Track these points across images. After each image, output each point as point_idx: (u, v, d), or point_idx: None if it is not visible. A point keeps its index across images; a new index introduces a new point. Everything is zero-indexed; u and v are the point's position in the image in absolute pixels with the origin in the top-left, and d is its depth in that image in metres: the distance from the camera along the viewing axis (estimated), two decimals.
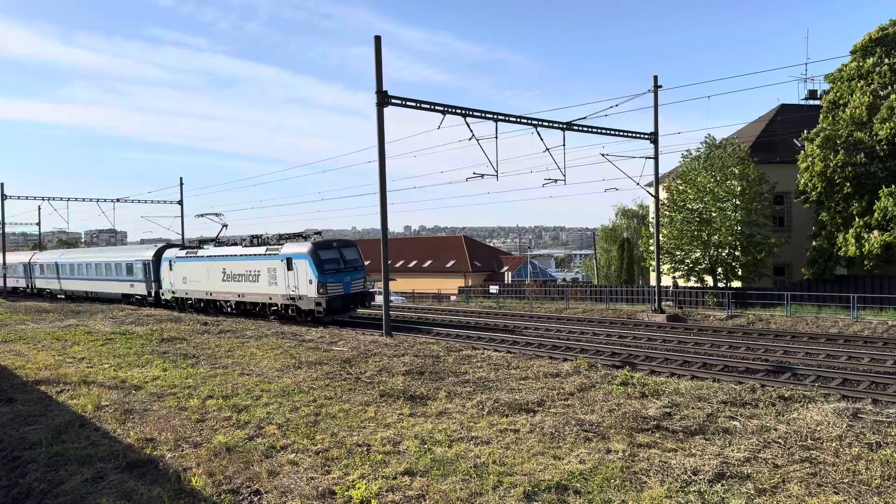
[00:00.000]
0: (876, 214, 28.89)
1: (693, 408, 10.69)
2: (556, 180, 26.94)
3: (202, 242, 35.95)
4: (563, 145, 26.38)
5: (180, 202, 54.83)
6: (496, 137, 23.87)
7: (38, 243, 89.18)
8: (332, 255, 27.57)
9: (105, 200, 53.00)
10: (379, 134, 21.46)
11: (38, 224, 73.82)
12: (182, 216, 54.78)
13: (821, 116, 32.69)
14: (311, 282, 26.86)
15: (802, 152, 33.01)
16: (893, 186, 28.56)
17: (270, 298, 29.26)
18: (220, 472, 8.43)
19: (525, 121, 25.18)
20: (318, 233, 30.21)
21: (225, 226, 36.25)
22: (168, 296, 36.60)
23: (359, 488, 7.67)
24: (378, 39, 21.26)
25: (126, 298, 40.73)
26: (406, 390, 12.39)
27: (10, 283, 55.70)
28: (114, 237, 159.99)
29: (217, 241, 35.21)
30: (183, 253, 35.57)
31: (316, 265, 26.67)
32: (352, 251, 28.74)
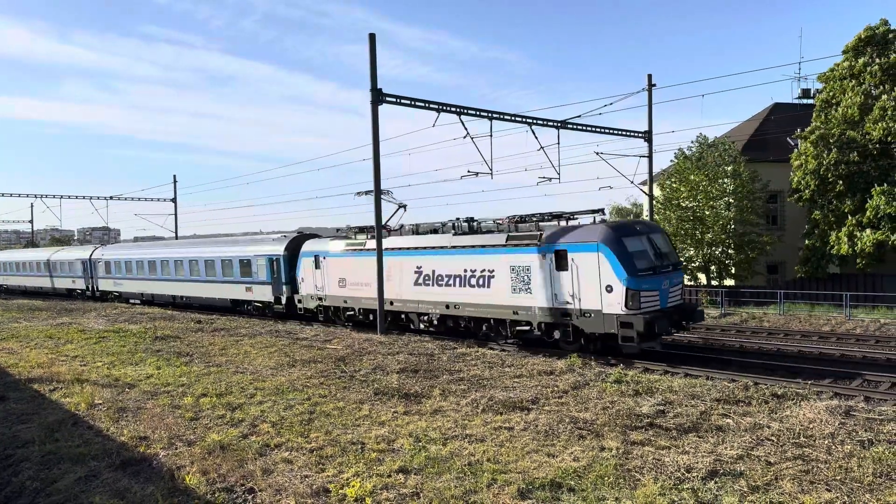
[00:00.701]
0: (868, 213, 29.03)
1: (686, 406, 10.73)
2: (550, 178, 26.97)
3: (363, 230, 25.56)
4: (558, 144, 26.41)
5: (174, 200, 54.69)
6: (491, 136, 23.88)
7: (31, 241, 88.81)
8: (640, 244, 17.63)
9: (98, 198, 52.88)
10: (373, 132, 21.44)
11: (31, 222, 73.68)
12: (175, 213, 54.67)
13: (814, 115, 32.83)
14: (609, 288, 16.89)
15: (796, 150, 33.15)
16: (886, 185, 28.71)
17: (516, 313, 19.15)
18: (213, 471, 8.43)
19: (520, 119, 25.18)
20: (600, 211, 19.56)
21: (402, 207, 25.23)
22: (311, 303, 26.70)
23: (353, 486, 7.68)
24: (372, 37, 21.21)
25: (238, 305, 31.18)
26: (400, 388, 12.40)
27: (66, 283, 46.87)
28: (107, 235, 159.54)
29: (385, 228, 24.18)
30: (340, 246, 25.36)
31: (621, 261, 16.77)
32: (662, 239, 18.89)
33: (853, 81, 31.06)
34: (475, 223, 21.72)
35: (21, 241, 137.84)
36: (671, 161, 38.06)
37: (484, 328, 20.53)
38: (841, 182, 30.90)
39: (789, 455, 8.28)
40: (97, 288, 43.50)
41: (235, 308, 31.39)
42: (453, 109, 22.93)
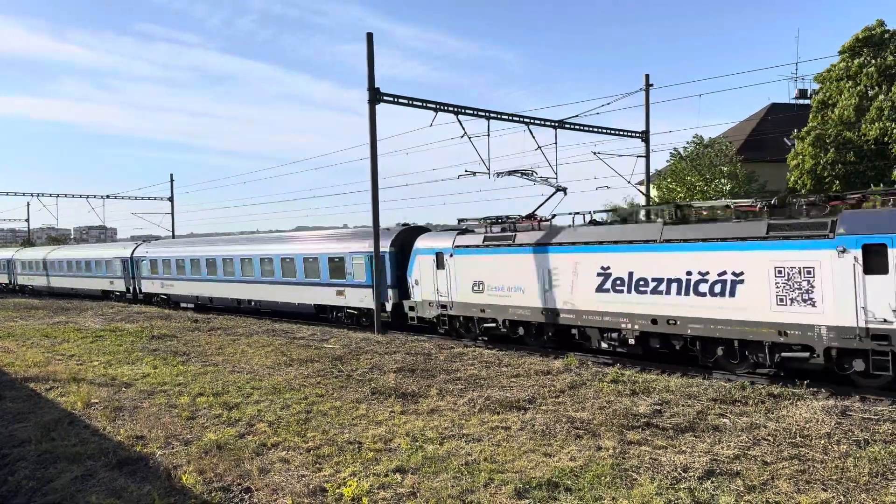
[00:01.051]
0: None
1: (683, 405, 10.75)
2: (547, 178, 26.97)
3: (498, 221, 20.38)
4: (555, 143, 26.41)
5: (171, 199, 54.59)
6: (488, 135, 23.86)
7: (28, 240, 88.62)
8: None
9: (95, 197, 52.75)
10: (371, 131, 21.43)
11: (27, 220, 73.54)
12: (172, 212, 54.58)
13: (810, 116, 32.94)
14: None
15: (793, 150, 33.26)
16: (882, 185, 28.79)
17: (783, 334, 13.73)
18: (210, 470, 8.42)
19: (517, 119, 25.19)
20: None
21: (561, 190, 21.02)
22: (429, 312, 21.33)
23: (350, 486, 7.68)
24: (370, 37, 21.21)
25: (325, 312, 26.01)
26: (397, 388, 12.40)
27: (101, 284, 41.42)
28: (104, 234, 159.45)
29: (534, 218, 19.65)
30: (474, 240, 19.99)
31: None
32: None
33: (850, 82, 31.16)
34: (688, 207, 16.80)
35: (17, 240, 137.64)
36: (667, 161, 38.15)
37: (719, 352, 14.80)
38: (837, 182, 30.98)
39: (786, 455, 8.29)
40: (140, 290, 37.88)
41: (319, 315, 26.24)
42: (451, 109, 22.94)
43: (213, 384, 13.31)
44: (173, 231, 55.03)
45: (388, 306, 23.08)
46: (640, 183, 33.09)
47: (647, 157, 30.65)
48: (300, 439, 9.57)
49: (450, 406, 11.15)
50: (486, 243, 19.54)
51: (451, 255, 20.43)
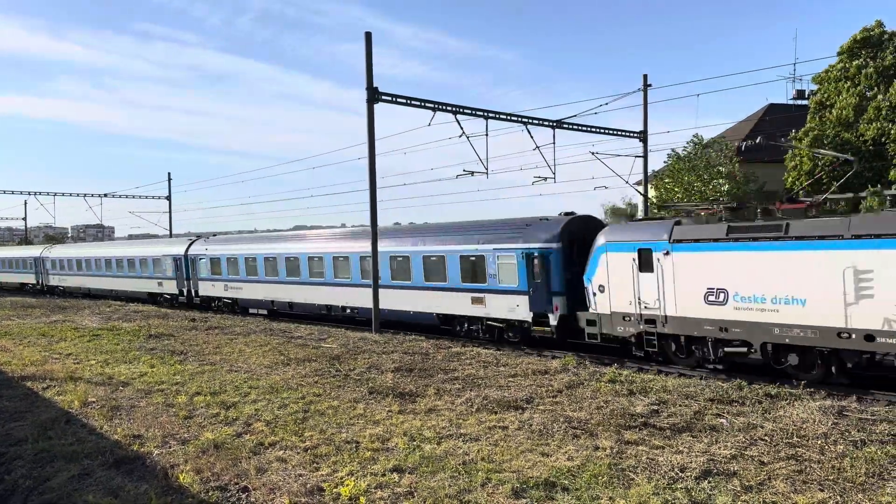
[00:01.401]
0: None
1: (680, 405, 10.76)
2: (545, 178, 26.98)
3: (740, 207, 15.93)
4: (553, 143, 26.43)
5: (168, 197, 54.55)
6: (486, 135, 23.86)
7: (25, 238, 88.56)
8: None
9: (92, 195, 52.69)
10: (369, 130, 21.42)
11: (24, 219, 73.46)
12: (170, 211, 54.56)
13: (808, 116, 33.00)
14: None
15: (790, 151, 33.30)
16: (879, 186, 28.85)
17: None
18: (207, 469, 8.41)
19: (515, 119, 25.19)
20: None
21: (847, 163, 16.40)
22: (622, 327, 16.47)
23: (347, 485, 7.68)
24: (369, 36, 21.20)
25: (450, 322, 21.38)
26: (395, 387, 12.40)
27: (148, 286, 36.35)
28: (101, 232, 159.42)
29: (800, 202, 15.09)
30: (709, 231, 14.87)
31: None
32: None
33: (848, 83, 31.21)
34: None
35: (14, 238, 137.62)
36: (664, 162, 38.18)
37: None
38: (835, 183, 31.03)
39: (782, 455, 8.31)
40: (196, 292, 32.89)
41: (442, 327, 21.63)
42: (449, 109, 22.93)
43: (210, 383, 13.30)
44: (171, 230, 55.00)
45: (553, 319, 18.15)
46: (639, 183, 33.10)
47: (645, 157, 30.67)
48: (297, 439, 9.57)
49: (447, 406, 11.16)
50: (731, 236, 14.39)
51: (667, 253, 15.49)
